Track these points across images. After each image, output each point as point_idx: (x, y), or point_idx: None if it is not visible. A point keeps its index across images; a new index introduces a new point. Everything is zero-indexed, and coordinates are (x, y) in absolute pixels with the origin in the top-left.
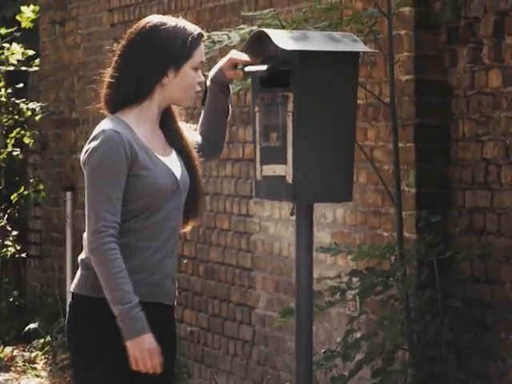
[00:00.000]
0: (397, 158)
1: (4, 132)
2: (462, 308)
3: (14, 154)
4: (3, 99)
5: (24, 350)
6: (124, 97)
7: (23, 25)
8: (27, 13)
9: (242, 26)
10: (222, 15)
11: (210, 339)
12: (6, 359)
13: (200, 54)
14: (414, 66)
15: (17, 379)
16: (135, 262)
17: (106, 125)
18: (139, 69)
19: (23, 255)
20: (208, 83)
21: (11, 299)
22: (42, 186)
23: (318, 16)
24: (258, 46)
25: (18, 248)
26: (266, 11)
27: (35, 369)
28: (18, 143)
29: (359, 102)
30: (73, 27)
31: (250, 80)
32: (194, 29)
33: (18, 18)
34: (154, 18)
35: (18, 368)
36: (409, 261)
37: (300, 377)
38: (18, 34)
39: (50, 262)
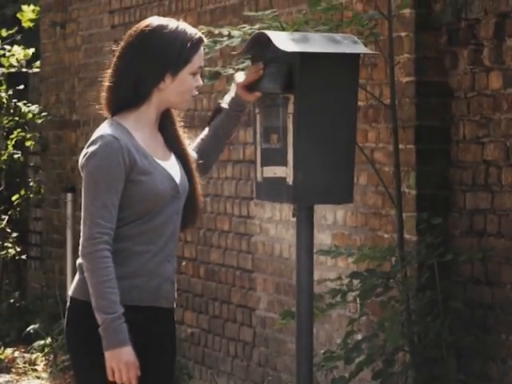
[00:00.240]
0: (397, 159)
1: (5, 134)
2: (462, 309)
3: (15, 155)
4: (4, 101)
5: (25, 352)
6: (122, 99)
7: (23, 24)
8: (28, 12)
9: (242, 26)
10: (223, 17)
11: (211, 341)
12: (6, 361)
13: (199, 58)
14: (415, 67)
15: (17, 381)
16: (134, 266)
17: (104, 130)
18: (137, 71)
19: (24, 257)
20: (224, 106)
21: (12, 301)
22: (42, 190)
23: (319, 18)
24: (259, 47)
25: (19, 250)
26: (267, 12)
27: (36, 370)
28: (19, 145)
29: (360, 103)
30: (73, 29)
31: None
32: (194, 33)
33: (18, 15)
34: (154, 21)
35: (19, 369)
36: (409, 262)
37: (300, 378)
38: (19, 36)
39: (50, 264)
